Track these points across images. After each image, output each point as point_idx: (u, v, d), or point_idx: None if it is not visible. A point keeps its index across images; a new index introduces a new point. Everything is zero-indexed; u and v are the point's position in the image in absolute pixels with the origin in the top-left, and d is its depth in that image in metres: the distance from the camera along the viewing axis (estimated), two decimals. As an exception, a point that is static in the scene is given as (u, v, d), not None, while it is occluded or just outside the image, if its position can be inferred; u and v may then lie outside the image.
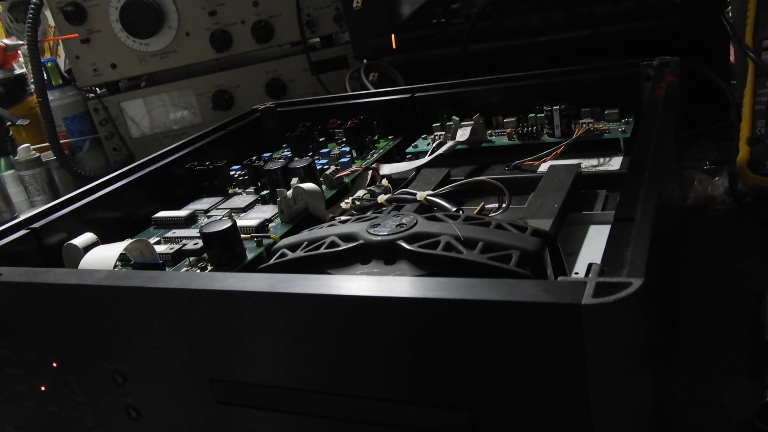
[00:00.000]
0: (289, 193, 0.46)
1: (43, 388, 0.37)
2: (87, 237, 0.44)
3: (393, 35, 0.79)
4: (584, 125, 0.53)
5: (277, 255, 0.36)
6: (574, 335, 0.23)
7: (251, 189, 0.54)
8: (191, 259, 0.43)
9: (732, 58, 0.69)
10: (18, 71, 0.91)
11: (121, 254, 0.42)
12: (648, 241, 0.26)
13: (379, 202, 0.46)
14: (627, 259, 0.25)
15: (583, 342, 0.23)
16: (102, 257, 0.39)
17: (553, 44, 0.73)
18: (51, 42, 1.02)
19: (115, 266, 0.42)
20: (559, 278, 0.24)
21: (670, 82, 0.50)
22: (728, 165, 0.56)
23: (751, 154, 0.54)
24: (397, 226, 0.33)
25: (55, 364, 0.36)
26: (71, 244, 0.43)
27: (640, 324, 0.23)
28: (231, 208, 0.51)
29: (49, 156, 0.84)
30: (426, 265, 0.31)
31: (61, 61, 1.00)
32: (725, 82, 0.59)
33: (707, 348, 0.39)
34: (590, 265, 0.37)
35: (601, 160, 0.51)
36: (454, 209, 0.42)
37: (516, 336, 0.24)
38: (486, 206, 0.46)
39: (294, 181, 0.49)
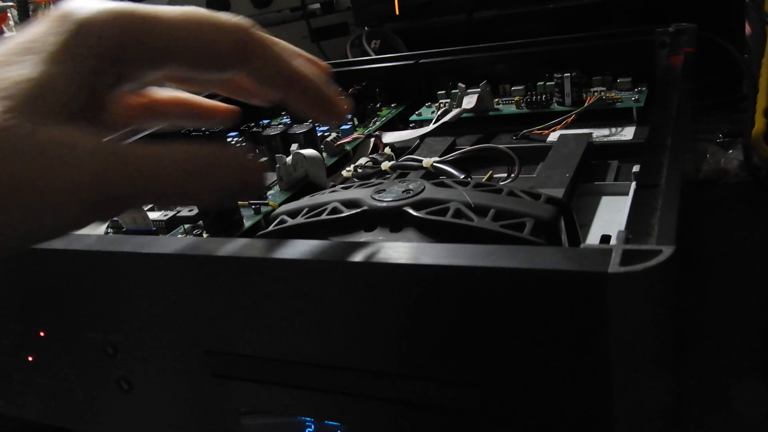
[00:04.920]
0: (289, 159, 0.45)
1: (30, 359, 0.36)
2: (77, 203, 0.42)
3: (396, 1, 0.76)
4: (595, 94, 0.51)
5: (276, 222, 0.34)
6: (596, 307, 0.21)
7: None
8: (186, 226, 0.41)
9: (747, 30, 0.67)
10: (8, 34, 0.88)
11: (113, 221, 0.40)
12: (676, 208, 0.24)
13: (383, 169, 0.44)
14: (654, 226, 0.23)
15: (606, 314, 0.21)
16: (92, 223, 0.37)
17: (561, 12, 0.71)
18: (43, 3, 0.99)
19: (106, 233, 0.40)
20: (582, 245, 0.23)
21: (688, 52, 0.47)
22: (743, 137, 0.54)
23: (767, 126, 0.52)
24: (403, 192, 0.31)
25: (42, 334, 0.34)
26: (60, 209, 0.41)
27: (668, 297, 0.21)
28: (228, 175, 0.49)
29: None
30: (434, 233, 0.29)
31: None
32: (740, 52, 0.57)
33: (720, 327, 0.38)
34: (603, 237, 0.35)
35: (613, 129, 0.49)
36: (463, 176, 0.40)
37: (533, 307, 0.22)
38: (494, 176, 0.44)
39: (293, 147, 0.47)
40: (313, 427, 0.30)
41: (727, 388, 0.33)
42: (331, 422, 0.29)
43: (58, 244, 0.31)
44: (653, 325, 0.21)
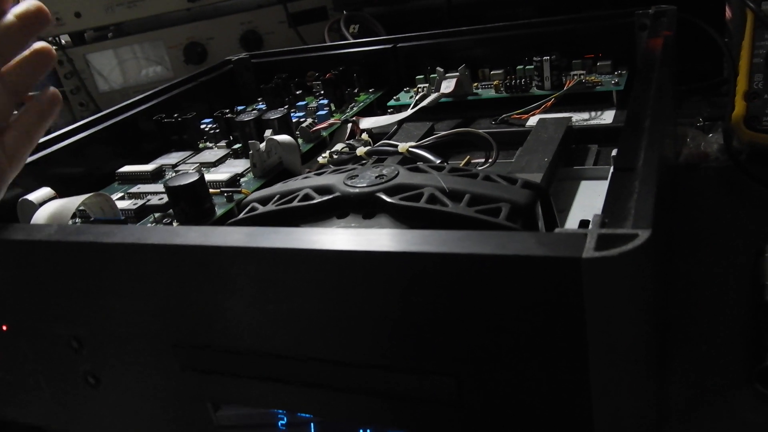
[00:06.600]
0: (262, 145, 0.44)
1: (-7, 354, 0.34)
2: (43, 192, 0.41)
3: (374, -16, 0.75)
4: (575, 77, 0.51)
5: (246, 209, 0.33)
6: (572, 293, 0.20)
7: (222, 143, 0.51)
8: (156, 215, 0.40)
9: (727, 14, 0.66)
10: None
11: (80, 211, 0.39)
12: (653, 191, 0.23)
13: (359, 155, 0.43)
14: (630, 210, 0.22)
15: (582, 301, 0.20)
16: (56, 212, 0.36)
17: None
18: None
19: (73, 223, 0.39)
20: (557, 230, 0.22)
21: (667, 35, 0.47)
22: (723, 121, 0.54)
23: (747, 110, 0.52)
24: (376, 177, 0.30)
25: (5, 328, 0.33)
26: (26, 199, 0.40)
27: (645, 282, 0.21)
28: (201, 163, 0.48)
29: (10, 111, 0.80)
30: (408, 220, 0.29)
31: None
32: (721, 36, 0.56)
33: (704, 316, 0.37)
34: (582, 222, 0.35)
35: (593, 113, 0.48)
36: (439, 161, 0.39)
37: (507, 294, 0.21)
38: (472, 161, 0.43)
39: (268, 133, 0.46)
40: (285, 419, 0.29)
41: (712, 390, 0.32)
42: (303, 414, 0.28)
43: (18, 234, 0.30)
44: (632, 311, 0.21)
